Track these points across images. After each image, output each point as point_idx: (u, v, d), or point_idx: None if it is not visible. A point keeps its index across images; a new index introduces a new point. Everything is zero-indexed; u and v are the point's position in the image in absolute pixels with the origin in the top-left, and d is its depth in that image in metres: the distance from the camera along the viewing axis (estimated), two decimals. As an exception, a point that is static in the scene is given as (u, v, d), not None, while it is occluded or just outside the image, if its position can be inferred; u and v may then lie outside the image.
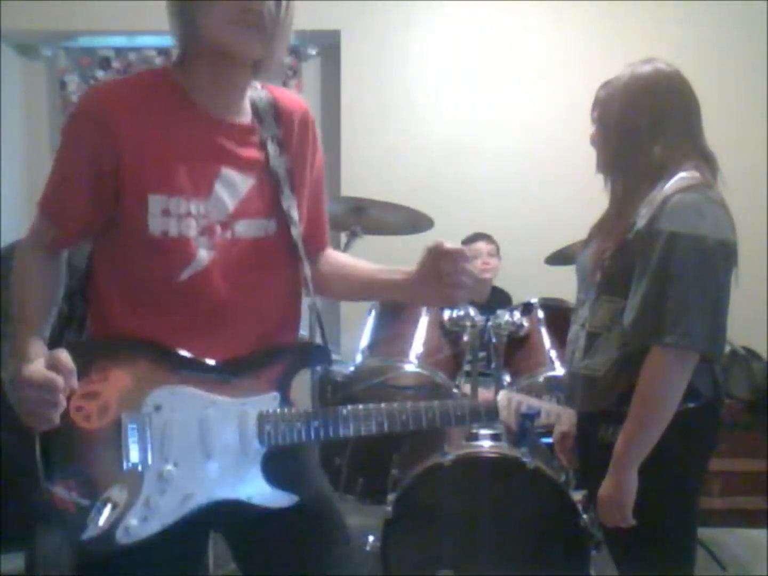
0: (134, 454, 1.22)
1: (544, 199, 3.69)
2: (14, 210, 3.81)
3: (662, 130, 1.59)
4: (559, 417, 1.45)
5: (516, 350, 2.50)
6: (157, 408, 1.24)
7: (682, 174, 1.55)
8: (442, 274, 1.28)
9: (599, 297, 1.63)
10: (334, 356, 1.42)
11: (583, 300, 1.72)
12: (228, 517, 1.32)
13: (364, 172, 3.56)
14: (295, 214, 1.36)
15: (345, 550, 1.43)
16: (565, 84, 3.64)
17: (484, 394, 2.62)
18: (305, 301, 1.43)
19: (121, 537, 1.19)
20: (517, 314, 2.48)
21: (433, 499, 2.17)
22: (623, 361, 1.56)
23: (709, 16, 3.65)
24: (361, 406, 1.33)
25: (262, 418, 1.28)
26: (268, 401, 1.30)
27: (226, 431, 1.27)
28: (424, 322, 2.57)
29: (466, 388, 2.50)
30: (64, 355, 1.16)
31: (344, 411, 1.32)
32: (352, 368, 2.50)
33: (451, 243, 1.29)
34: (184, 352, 1.27)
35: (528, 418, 1.42)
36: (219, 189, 1.29)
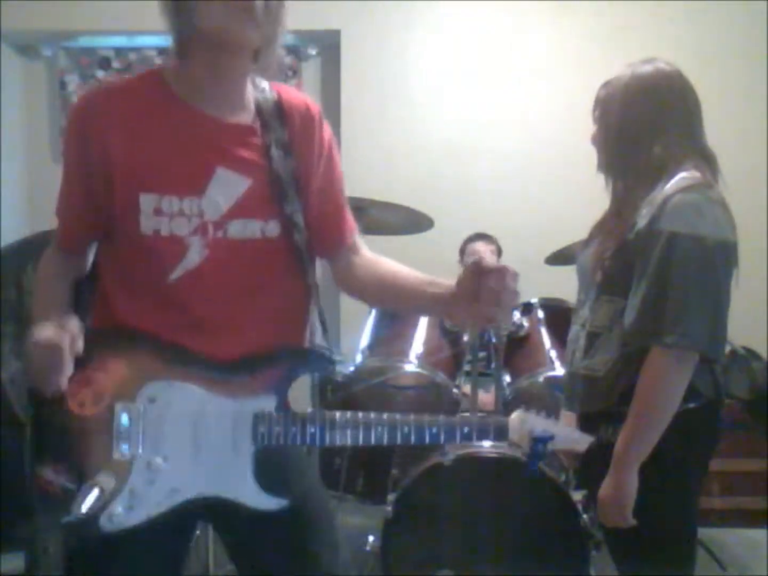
0: (124, 444, 1.22)
1: (544, 199, 3.69)
2: (14, 210, 3.81)
3: (663, 130, 1.59)
4: (577, 442, 1.38)
5: (516, 350, 2.50)
6: (152, 400, 1.24)
7: (682, 174, 1.55)
8: (482, 292, 1.23)
9: (599, 297, 1.63)
10: (335, 356, 1.40)
11: (584, 300, 1.72)
12: (217, 514, 1.32)
13: (364, 172, 3.56)
14: (299, 219, 1.35)
15: (331, 557, 1.41)
16: (564, 84, 3.64)
17: (484, 397, 2.63)
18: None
19: (105, 524, 1.20)
20: (517, 314, 2.48)
21: (433, 499, 2.17)
22: (623, 361, 1.56)
23: (709, 15, 3.65)
24: (361, 414, 1.30)
25: (257, 419, 1.27)
26: (265, 403, 1.28)
27: (220, 429, 1.26)
28: (424, 322, 2.57)
29: (466, 389, 2.50)
30: (71, 321, 1.20)
31: (344, 418, 1.29)
32: (352, 368, 2.50)
33: (491, 261, 1.27)
34: (185, 348, 1.27)
35: (541, 441, 1.33)
36: (213, 188, 1.28)
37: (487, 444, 2.25)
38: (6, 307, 1.91)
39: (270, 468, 1.28)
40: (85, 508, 1.16)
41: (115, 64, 3.85)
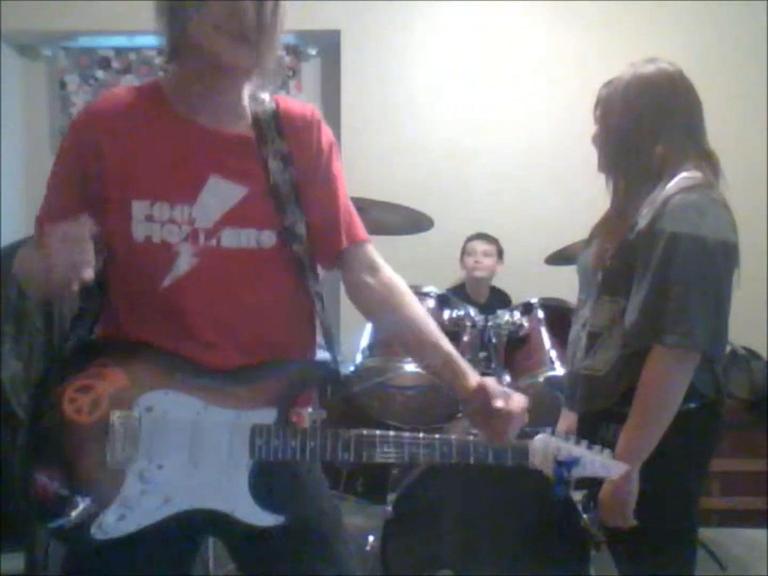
0: (119, 452, 1.21)
1: (544, 199, 3.69)
2: (14, 210, 3.81)
3: (664, 130, 1.59)
4: (609, 469, 1.29)
5: (516, 350, 2.50)
6: (148, 409, 1.23)
7: (683, 174, 1.55)
8: (491, 419, 1.25)
9: (600, 297, 1.63)
10: (340, 370, 1.38)
11: (585, 300, 1.72)
12: (218, 527, 1.30)
13: (364, 172, 3.56)
14: (301, 230, 1.34)
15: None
16: (565, 84, 3.64)
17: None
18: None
19: (95, 532, 1.19)
20: (517, 314, 2.48)
21: (433, 499, 2.17)
22: (624, 361, 1.56)
23: (709, 15, 3.65)
24: (366, 432, 1.26)
25: (255, 432, 1.24)
26: (264, 416, 1.25)
27: (216, 440, 1.24)
28: (424, 322, 2.56)
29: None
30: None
31: (345, 435, 1.25)
32: (352, 368, 2.50)
33: (501, 401, 1.24)
34: (184, 357, 1.27)
35: (565, 466, 1.26)
36: (206, 195, 1.28)
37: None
38: (6, 307, 1.91)
39: (268, 482, 1.25)
40: (74, 515, 1.16)
41: (115, 64, 3.85)
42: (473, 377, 1.31)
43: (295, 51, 3.80)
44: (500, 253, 3.42)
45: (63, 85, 3.85)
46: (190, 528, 1.27)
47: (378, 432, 1.26)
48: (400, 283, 1.40)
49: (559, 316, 2.41)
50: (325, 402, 2.49)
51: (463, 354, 2.45)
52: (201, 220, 1.28)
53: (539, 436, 1.30)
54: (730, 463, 3.25)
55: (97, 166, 1.28)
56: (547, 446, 1.29)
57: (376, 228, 2.74)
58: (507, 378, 2.47)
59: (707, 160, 1.60)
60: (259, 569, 1.37)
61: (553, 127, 3.66)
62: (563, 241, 2.60)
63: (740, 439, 3.26)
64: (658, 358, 1.49)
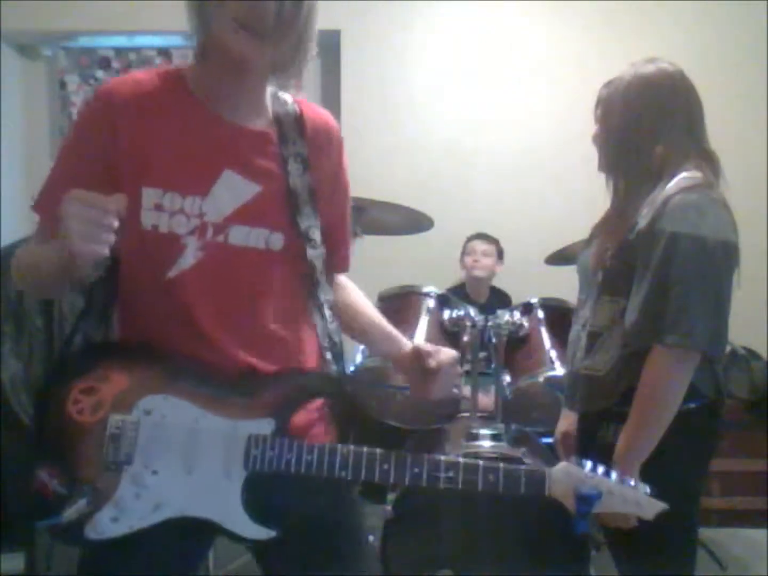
0: (115, 455, 1.21)
1: (544, 199, 3.69)
2: (14, 210, 3.80)
3: (665, 130, 1.59)
4: (642, 507, 1.19)
5: (516, 350, 2.50)
6: (147, 413, 1.22)
7: (683, 174, 1.55)
8: (423, 373, 1.34)
9: (601, 297, 1.63)
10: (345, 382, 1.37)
11: (585, 300, 1.72)
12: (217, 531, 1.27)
13: (364, 172, 3.55)
14: (316, 235, 1.32)
15: None
16: (565, 84, 3.65)
17: (484, 400, 2.63)
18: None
19: (89, 532, 1.18)
20: (517, 314, 2.48)
21: (433, 499, 2.17)
22: (625, 361, 1.56)
23: (709, 15, 3.65)
24: (366, 449, 1.21)
25: (250, 442, 1.21)
26: (261, 426, 1.22)
27: (212, 449, 1.21)
28: (424, 322, 2.56)
29: (466, 390, 2.50)
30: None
31: (344, 450, 1.21)
32: (352, 368, 2.50)
33: (433, 361, 1.33)
34: (188, 361, 1.25)
35: (587, 501, 1.16)
36: (218, 189, 1.26)
37: (486, 444, 2.25)
38: (6, 307, 1.91)
39: (262, 495, 1.21)
40: (67, 514, 1.16)
41: (115, 64, 3.85)
42: (405, 340, 1.43)
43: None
44: (500, 254, 3.43)
45: (63, 85, 3.85)
46: (195, 529, 1.26)
47: (378, 450, 1.22)
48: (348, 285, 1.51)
49: (559, 316, 2.41)
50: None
51: (463, 354, 2.49)
52: (211, 214, 1.26)
53: (561, 464, 1.21)
54: (730, 463, 3.25)
55: (112, 147, 1.24)
56: (568, 477, 1.20)
57: (376, 228, 2.76)
58: (507, 378, 2.47)
59: (707, 160, 1.60)
60: (274, 569, 1.36)
61: (553, 127, 3.66)
62: (563, 241, 2.60)
63: (740, 439, 3.26)
64: (658, 358, 1.49)
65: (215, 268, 1.27)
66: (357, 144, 3.71)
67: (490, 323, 2.47)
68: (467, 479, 1.20)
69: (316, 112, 1.38)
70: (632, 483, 1.21)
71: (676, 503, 1.59)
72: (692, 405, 1.52)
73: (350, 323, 1.47)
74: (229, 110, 1.28)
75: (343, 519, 1.38)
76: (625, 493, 1.19)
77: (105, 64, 3.85)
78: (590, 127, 1.73)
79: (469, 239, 3.44)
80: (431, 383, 1.35)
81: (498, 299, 3.34)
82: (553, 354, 2.42)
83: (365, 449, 1.22)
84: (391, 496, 2.18)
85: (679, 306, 1.46)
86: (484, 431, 2.35)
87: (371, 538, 2.23)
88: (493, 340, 2.48)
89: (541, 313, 2.52)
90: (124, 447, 1.21)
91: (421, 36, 3.73)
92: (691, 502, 1.64)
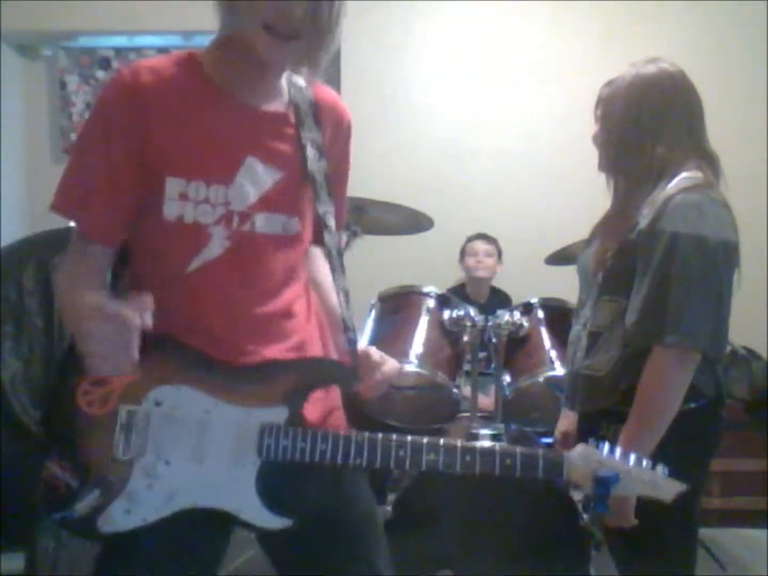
0: (126, 446, 1.20)
1: (544, 199, 3.69)
2: (14, 210, 3.81)
3: (665, 130, 1.58)
4: (661, 489, 1.18)
5: (516, 350, 2.49)
6: (158, 404, 1.21)
7: (684, 174, 1.55)
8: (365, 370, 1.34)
9: (601, 297, 1.63)
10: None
11: (585, 300, 1.72)
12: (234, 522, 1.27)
13: (364, 172, 3.55)
14: (332, 221, 1.32)
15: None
16: (564, 84, 3.65)
17: (484, 400, 2.63)
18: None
19: (102, 525, 1.18)
20: (517, 314, 2.48)
21: (433, 499, 2.17)
22: (625, 361, 1.56)
23: (709, 15, 3.65)
24: (381, 436, 1.21)
25: (264, 431, 1.21)
26: (274, 414, 1.22)
27: (224, 438, 1.21)
28: (424, 322, 2.56)
29: (466, 390, 2.50)
30: (146, 297, 1.14)
31: (359, 437, 1.20)
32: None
33: (379, 357, 1.36)
34: (199, 351, 1.24)
35: (605, 483, 1.13)
36: (241, 177, 1.24)
37: (486, 443, 2.25)
38: (6, 307, 1.91)
39: (278, 484, 1.21)
40: (79, 507, 1.15)
41: (115, 64, 3.84)
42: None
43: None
44: (500, 254, 3.43)
45: (63, 85, 3.86)
46: (210, 521, 1.24)
47: (394, 436, 1.21)
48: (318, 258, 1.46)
49: (559, 316, 2.41)
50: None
51: (463, 354, 2.48)
52: (236, 203, 1.24)
53: (579, 447, 1.19)
54: (730, 463, 3.24)
55: (135, 136, 1.21)
56: (587, 460, 1.18)
57: (376, 228, 2.76)
58: (507, 378, 2.47)
59: (708, 160, 1.60)
60: (287, 563, 1.36)
61: (553, 126, 3.66)
62: (563, 241, 2.60)
63: (740, 439, 3.25)
64: (658, 357, 1.49)
65: (243, 257, 1.26)
66: (357, 144, 3.70)
67: (490, 323, 2.47)
68: (484, 462, 1.19)
69: (331, 98, 1.39)
70: (648, 464, 1.20)
71: (676, 503, 1.60)
72: (692, 405, 1.52)
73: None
74: (247, 94, 1.27)
75: (358, 505, 1.37)
76: (643, 475, 1.18)
77: (105, 64, 3.85)
78: (590, 127, 1.73)
79: (470, 239, 3.44)
80: (368, 387, 1.35)
81: (498, 299, 3.34)
82: (553, 354, 2.42)
83: (380, 435, 1.21)
84: (390, 497, 2.18)
85: (679, 306, 1.46)
86: (484, 431, 2.35)
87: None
88: (493, 340, 2.48)
89: (541, 313, 2.52)
90: (136, 438, 1.20)
91: (421, 36, 3.74)
92: (691, 502, 1.63)
